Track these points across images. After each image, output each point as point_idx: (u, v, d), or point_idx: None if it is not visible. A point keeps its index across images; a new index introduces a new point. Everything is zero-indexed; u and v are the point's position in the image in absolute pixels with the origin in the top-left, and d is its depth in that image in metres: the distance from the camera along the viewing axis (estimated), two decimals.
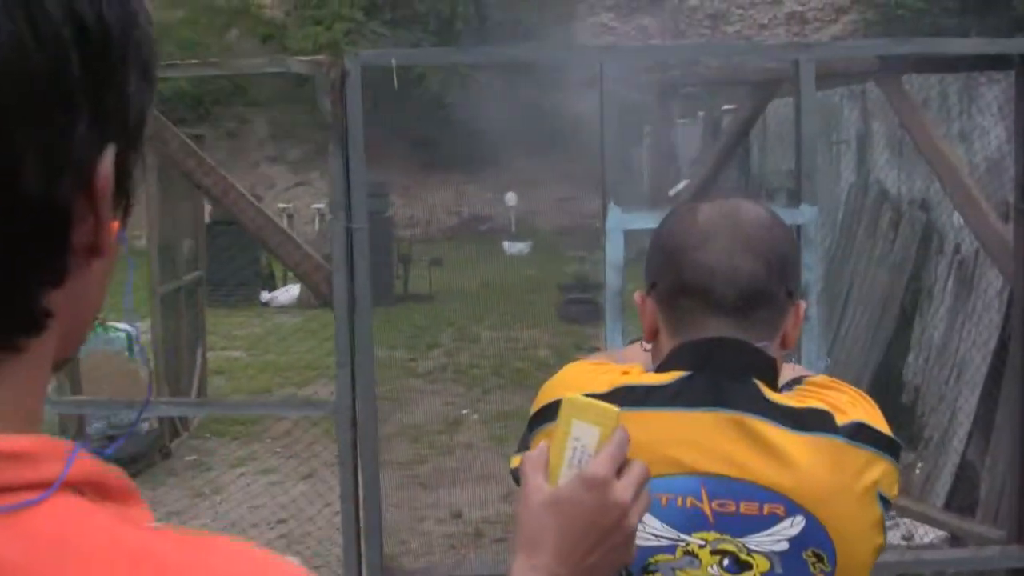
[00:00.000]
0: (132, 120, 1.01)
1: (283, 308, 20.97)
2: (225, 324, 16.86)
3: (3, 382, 0.95)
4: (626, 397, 2.14)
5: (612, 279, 5.16)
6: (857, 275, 10.91)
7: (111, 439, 11.22)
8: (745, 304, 2.16)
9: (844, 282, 11.13)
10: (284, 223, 24.40)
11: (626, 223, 5.15)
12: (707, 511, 2.09)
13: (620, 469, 1.66)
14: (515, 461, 2.15)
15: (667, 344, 2.25)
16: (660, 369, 2.23)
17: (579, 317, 18.25)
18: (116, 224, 1.01)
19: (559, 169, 28.17)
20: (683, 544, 2.09)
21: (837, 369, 10.71)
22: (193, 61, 5.28)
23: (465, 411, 13.63)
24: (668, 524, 2.10)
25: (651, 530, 2.09)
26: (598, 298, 5.09)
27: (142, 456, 11.34)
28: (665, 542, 2.10)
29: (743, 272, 2.15)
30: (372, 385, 5.27)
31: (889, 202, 10.77)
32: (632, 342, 2.97)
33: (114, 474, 0.98)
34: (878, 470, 2.14)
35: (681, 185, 11.06)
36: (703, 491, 2.09)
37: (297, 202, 27.72)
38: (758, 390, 2.15)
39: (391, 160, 28.03)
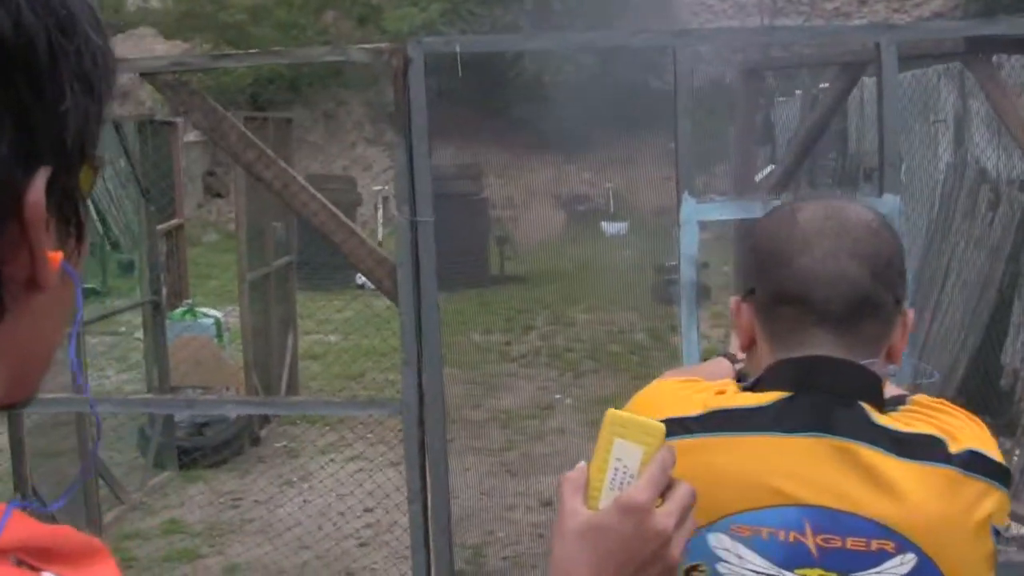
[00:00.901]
0: (70, 138, 0.88)
1: (378, 291, 20.97)
2: (321, 308, 16.88)
3: None
4: (723, 421, 2.02)
5: (687, 271, 5.01)
6: (955, 257, 10.66)
7: (200, 427, 11.26)
8: (851, 315, 2.02)
9: (941, 264, 10.89)
10: (379, 205, 24.64)
11: (701, 213, 4.99)
12: (811, 546, 1.94)
13: (664, 492, 1.49)
14: None
15: (766, 357, 2.11)
16: (758, 387, 2.08)
17: (676, 299, 18.04)
18: (58, 254, 0.89)
19: (658, 148, 27.97)
20: None
21: (934, 351, 10.50)
22: (253, 51, 5.17)
23: (558, 396, 13.52)
24: (769, 559, 1.95)
25: (751, 566, 1.95)
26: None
27: (231, 443, 11.36)
28: None
29: (848, 279, 2.00)
30: (440, 383, 5.15)
31: (988, 183, 10.50)
32: (717, 357, 2.81)
33: (61, 535, 0.87)
34: (992, 502, 1.98)
35: (767, 170, 10.87)
36: (807, 524, 1.94)
37: (393, 184, 27.66)
38: (865, 414, 1.99)
39: (489, 141, 28.01)
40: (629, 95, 27.15)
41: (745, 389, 2.10)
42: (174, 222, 11.71)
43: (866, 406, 1.99)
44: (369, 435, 11.59)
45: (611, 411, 1.53)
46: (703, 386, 2.17)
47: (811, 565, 1.92)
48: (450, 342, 13.93)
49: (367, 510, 9.84)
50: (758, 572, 1.94)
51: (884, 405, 2.03)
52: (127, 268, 20.82)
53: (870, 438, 1.96)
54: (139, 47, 29.36)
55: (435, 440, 5.16)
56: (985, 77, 5.74)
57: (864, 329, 2.02)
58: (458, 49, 4.85)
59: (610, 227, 26.90)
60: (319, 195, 5.10)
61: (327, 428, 12.10)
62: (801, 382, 2.01)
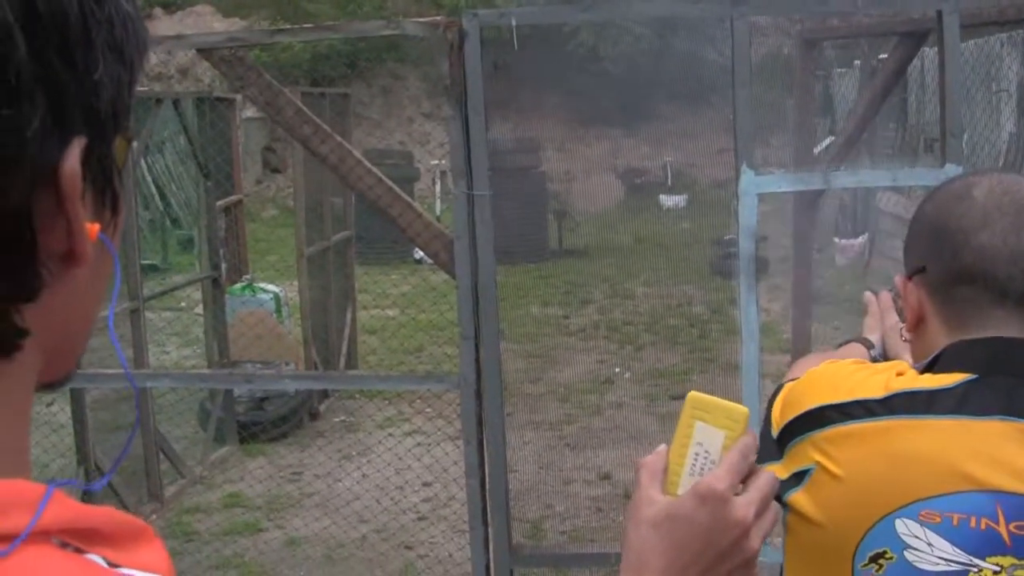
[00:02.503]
0: (103, 109, 0.87)
1: (436, 266, 20.99)
2: (379, 282, 16.92)
3: None
4: (906, 403, 1.97)
5: (746, 244, 4.98)
6: None
7: (260, 401, 11.31)
8: None
9: None
10: (437, 180, 24.66)
11: (760, 186, 4.95)
12: (1004, 533, 1.88)
13: (746, 479, 1.44)
14: None
15: (939, 337, 2.06)
16: (937, 368, 2.03)
17: (735, 272, 17.92)
18: (96, 226, 0.88)
19: (716, 121, 27.81)
20: (975, 569, 1.89)
21: None
22: (308, 25, 5.15)
23: (617, 369, 13.49)
24: (959, 547, 1.89)
25: (940, 553, 1.90)
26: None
27: (291, 417, 11.41)
28: (955, 567, 1.89)
29: None
30: (497, 356, 5.13)
31: None
32: (845, 343, 2.76)
33: (106, 516, 0.85)
34: None
35: (826, 142, 10.80)
36: (999, 510, 1.88)
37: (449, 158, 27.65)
38: None
39: (546, 114, 27.94)
40: (686, 68, 27.01)
41: (922, 370, 2.05)
42: (233, 198, 11.74)
43: None
44: (427, 409, 11.62)
45: (693, 393, 1.48)
46: (881, 367, 2.13)
47: (1004, 553, 1.87)
48: (509, 316, 13.95)
49: (425, 484, 9.87)
50: (948, 560, 1.89)
51: None
52: (187, 244, 21.01)
53: None
54: (198, 25, 29.50)
55: (493, 414, 5.15)
56: None
57: None
58: (513, 22, 4.83)
59: (668, 200, 26.79)
60: (375, 169, 5.09)
61: (385, 402, 12.13)
62: (986, 364, 1.97)
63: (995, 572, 1.86)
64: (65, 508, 0.82)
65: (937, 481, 1.89)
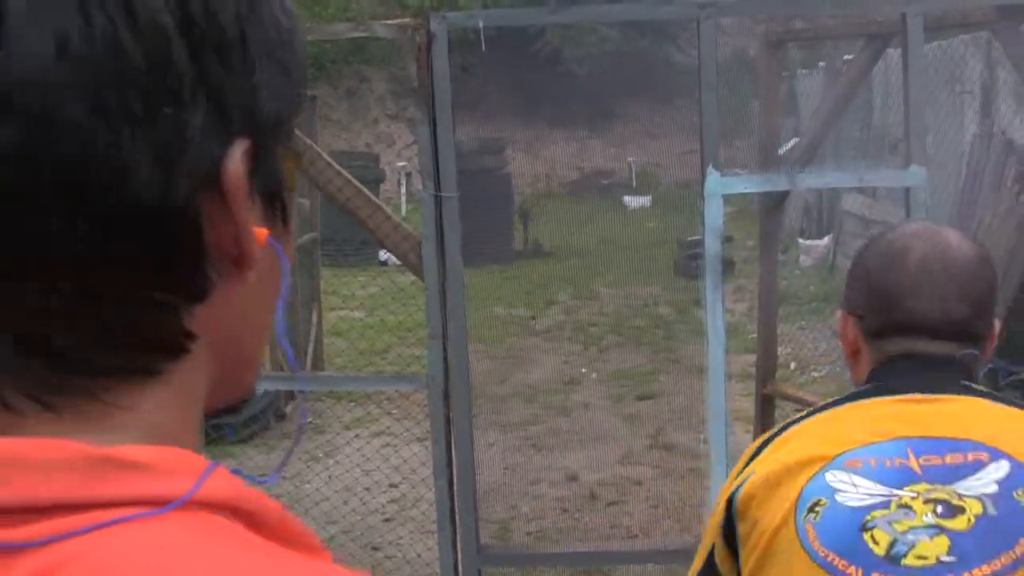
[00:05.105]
0: (264, 111, 0.88)
1: (401, 267, 20.97)
2: (345, 284, 16.90)
3: (135, 408, 0.83)
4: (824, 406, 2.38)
5: (712, 244, 5.02)
6: (981, 230, 10.61)
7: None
8: (955, 341, 2.30)
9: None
10: (403, 181, 24.67)
11: (726, 187, 4.99)
12: (915, 466, 2.16)
13: None
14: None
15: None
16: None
17: (700, 273, 17.96)
18: (264, 231, 0.88)
19: (681, 122, 27.91)
20: (896, 498, 2.13)
21: None
22: None
23: (583, 370, 13.52)
24: (879, 482, 2.15)
25: (864, 490, 2.16)
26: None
27: (258, 419, 11.39)
28: (879, 499, 2.13)
29: (955, 320, 2.28)
30: (465, 358, 5.15)
31: (1015, 155, 10.43)
32: None
33: (271, 505, 0.85)
34: None
35: (792, 142, 10.83)
36: (909, 451, 2.17)
37: (416, 159, 27.59)
38: (966, 379, 2.30)
39: (511, 116, 27.98)
40: (651, 69, 27.10)
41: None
42: None
43: (964, 381, 2.29)
44: (394, 410, 11.61)
45: None
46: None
47: (917, 482, 2.13)
48: (474, 317, 13.95)
49: (392, 485, 9.87)
50: (872, 494, 2.14)
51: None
52: None
53: (963, 392, 2.26)
54: None
55: (461, 414, 5.17)
56: (1015, 47, 5.70)
57: (963, 348, 2.31)
58: (481, 24, 4.85)
59: (633, 201, 26.86)
60: (344, 171, 5.11)
61: (353, 404, 12.12)
62: (899, 369, 2.32)
63: (912, 498, 2.12)
64: (230, 483, 0.82)
65: (857, 437, 2.20)
